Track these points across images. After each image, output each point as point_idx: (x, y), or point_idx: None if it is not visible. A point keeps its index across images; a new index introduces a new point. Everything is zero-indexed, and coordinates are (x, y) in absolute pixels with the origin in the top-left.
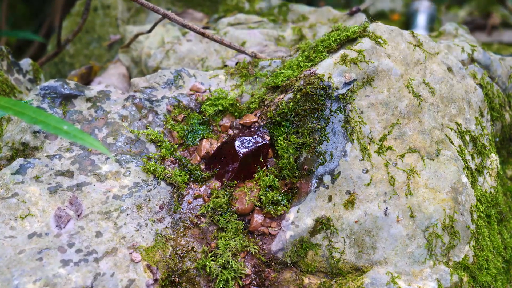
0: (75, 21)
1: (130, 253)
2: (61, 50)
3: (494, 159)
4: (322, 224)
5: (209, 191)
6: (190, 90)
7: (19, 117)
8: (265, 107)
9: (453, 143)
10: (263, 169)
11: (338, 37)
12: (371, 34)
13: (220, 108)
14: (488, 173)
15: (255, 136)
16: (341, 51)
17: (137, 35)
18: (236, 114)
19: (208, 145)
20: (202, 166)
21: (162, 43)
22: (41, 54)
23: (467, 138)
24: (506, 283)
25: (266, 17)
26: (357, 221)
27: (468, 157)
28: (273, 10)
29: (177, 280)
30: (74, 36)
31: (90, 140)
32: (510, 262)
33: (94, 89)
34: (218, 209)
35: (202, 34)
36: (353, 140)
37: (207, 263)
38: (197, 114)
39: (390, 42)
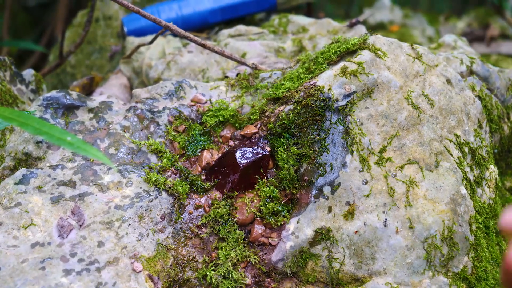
0: (77, 32)
1: (132, 263)
2: (63, 62)
3: (492, 171)
4: (322, 235)
5: (210, 201)
6: (191, 101)
7: (23, 128)
8: (266, 118)
9: (452, 155)
10: (263, 180)
11: (338, 49)
12: (370, 46)
13: (221, 119)
14: (487, 185)
15: (256, 147)
16: (341, 63)
17: (138, 46)
18: (236, 125)
19: (209, 156)
20: (203, 177)
21: (163, 54)
22: (42, 63)
23: (466, 149)
24: None
25: (266, 29)
26: (356, 232)
27: (467, 169)
28: (273, 21)
29: None
30: (77, 48)
31: (93, 151)
32: None
33: (96, 99)
34: (219, 220)
35: (203, 46)
36: (353, 151)
37: (208, 273)
38: (198, 125)
39: (390, 54)
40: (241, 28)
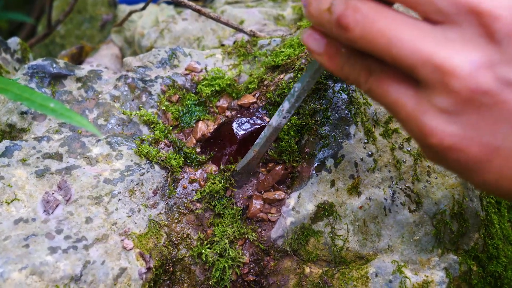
0: (66, 1)
1: (122, 240)
2: (51, 31)
3: None
4: (325, 210)
5: (205, 175)
6: (186, 69)
7: (2, 94)
8: (265, 88)
9: None
10: None
11: None
12: None
13: (217, 88)
14: None
15: (254, 117)
16: None
17: (130, 13)
18: (233, 94)
19: (204, 127)
20: (198, 149)
21: (156, 22)
22: (33, 37)
23: None
24: None
25: None
26: (361, 207)
27: None
28: None
29: (171, 268)
30: (66, 16)
31: (78, 119)
32: None
33: (84, 68)
34: (215, 195)
35: (199, 12)
36: (357, 122)
37: (203, 250)
38: (192, 94)
39: None
40: None
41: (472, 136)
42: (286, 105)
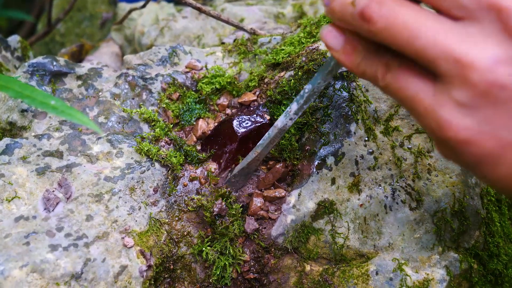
0: None
1: (122, 238)
2: (51, 30)
3: None
4: (325, 208)
5: (206, 173)
6: (186, 67)
7: (3, 91)
8: (265, 85)
9: None
10: None
11: None
12: None
13: (218, 86)
14: None
15: (255, 115)
16: None
17: (130, 11)
18: (234, 92)
19: (205, 125)
20: (198, 147)
21: (157, 20)
22: (32, 36)
23: None
24: None
25: None
26: (362, 204)
27: None
28: None
29: (172, 266)
30: (66, 14)
31: (79, 116)
32: None
33: (85, 66)
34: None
35: (199, 9)
36: (357, 119)
37: (204, 248)
38: (193, 92)
39: None
40: None
41: (488, 130)
42: (294, 106)
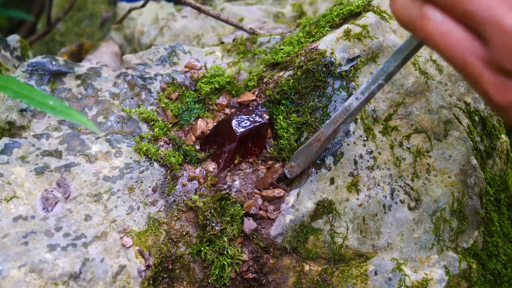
0: None
1: (121, 238)
2: (51, 29)
3: (504, 141)
4: (324, 208)
5: (205, 172)
6: (185, 67)
7: (1, 91)
8: (264, 85)
9: (461, 123)
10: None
11: (341, 11)
12: (375, 8)
13: (217, 85)
14: (498, 155)
15: (254, 115)
16: (344, 26)
17: (130, 10)
18: (233, 92)
19: (204, 125)
20: (197, 147)
21: (156, 20)
22: (32, 35)
23: (476, 118)
24: None
25: None
26: (360, 204)
27: (477, 138)
28: None
29: (170, 266)
30: (65, 14)
31: (77, 116)
32: None
33: (84, 66)
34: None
35: (198, 9)
36: (356, 119)
37: (202, 248)
38: (192, 92)
39: None
40: None
41: None
42: (363, 86)
